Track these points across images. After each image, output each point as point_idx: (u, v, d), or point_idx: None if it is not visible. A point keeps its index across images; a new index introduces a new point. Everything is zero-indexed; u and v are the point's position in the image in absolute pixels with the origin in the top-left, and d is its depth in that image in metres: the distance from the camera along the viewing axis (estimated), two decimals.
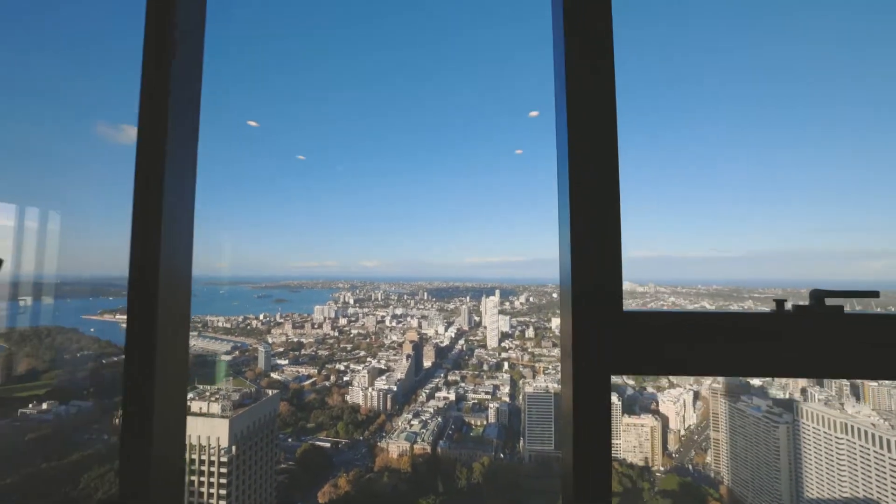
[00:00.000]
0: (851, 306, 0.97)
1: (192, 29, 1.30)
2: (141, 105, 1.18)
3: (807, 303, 1.02)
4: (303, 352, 9.32)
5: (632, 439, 7.67)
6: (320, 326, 9.76)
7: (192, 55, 1.25)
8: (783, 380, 7.86)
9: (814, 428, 6.61)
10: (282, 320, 9.47)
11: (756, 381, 8.21)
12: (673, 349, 1.02)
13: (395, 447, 8.20)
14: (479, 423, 8.89)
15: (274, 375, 9.47)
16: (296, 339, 9.41)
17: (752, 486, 6.74)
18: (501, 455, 8.27)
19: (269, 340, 9.37)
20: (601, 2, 1.09)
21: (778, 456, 6.68)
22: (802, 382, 7.88)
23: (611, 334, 1.00)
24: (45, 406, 5.81)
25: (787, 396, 7.62)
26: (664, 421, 7.91)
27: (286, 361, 9.14)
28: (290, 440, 8.51)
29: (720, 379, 7.98)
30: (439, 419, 8.93)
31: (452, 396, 9.64)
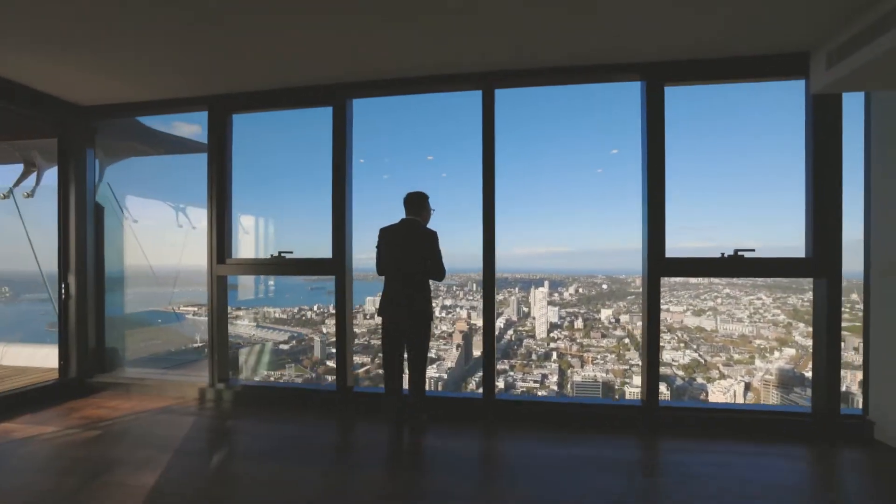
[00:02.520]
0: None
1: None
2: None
3: (732, 253, 3.37)
4: (356, 341, 9.90)
5: None
6: (372, 317, 9.75)
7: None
8: (842, 373, 7.93)
9: None
10: (335, 311, 10.07)
11: (810, 374, 8.20)
12: (681, 268, 3.50)
13: None
14: None
15: (330, 363, 9.93)
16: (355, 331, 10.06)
17: None
18: None
19: (324, 331, 9.66)
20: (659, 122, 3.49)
21: None
22: (860, 376, 7.87)
23: (659, 263, 3.43)
24: None
25: (845, 389, 7.71)
26: None
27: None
28: None
29: (773, 370, 8.12)
30: None
31: (501, 384, 9.86)
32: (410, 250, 3.32)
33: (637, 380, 8.47)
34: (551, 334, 10.39)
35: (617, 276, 10.16)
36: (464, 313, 11.06)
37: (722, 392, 8.14)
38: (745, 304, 7.98)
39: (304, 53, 3.33)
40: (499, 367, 10.70)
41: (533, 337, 10.47)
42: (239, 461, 2.93)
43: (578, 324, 10.11)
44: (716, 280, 8.71)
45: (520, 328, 11.04)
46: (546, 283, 10.91)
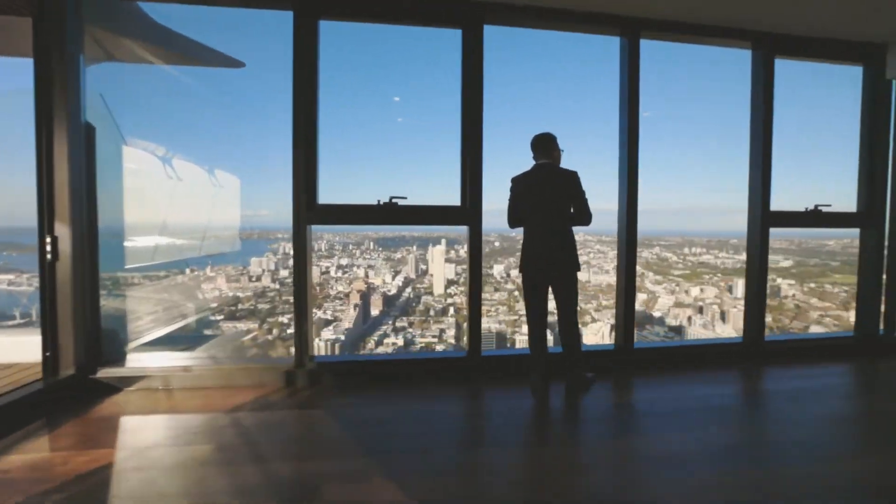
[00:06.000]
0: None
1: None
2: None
3: (812, 208, 4.13)
4: (240, 306, 8.91)
5: None
6: (259, 279, 9.43)
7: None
8: (677, 311, 9.82)
9: None
10: (213, 274, 8.92)
11: (657, 313, 9.92)
12: (781, 220, 4.08)
13: None
14: None
15: (207, 332, 9.18)
16: (231, 294, 8.97)
17: None
18: None
19: (200, 297, 9.16)
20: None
21: None
22: (690, 312, 9.79)
23: (767, 216, 4.00)
24: None
25: (678, 323, 9.57)
26: None
27: (221, 317, 8.75)
28: None
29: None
30: None
31: (401, 341, 9.88)
32: (551, 196, 3.02)
33: (525, 328, 9.34)
34: (448, 290, 10.78)
35: (508, 235, 10.72)
36: (361, 272, 10.86)
37: (594, 333, 9.44)
38: (612, 258, 8.83)
39: None
40: (398, 324, 10.80)
41: (431, 294, 10.73)
42: (452, 448, 2.59)
43: None
44: (589, 237, 9.77)
45: (418, 285, 11.23)
46: (443, 241, 11.21)
